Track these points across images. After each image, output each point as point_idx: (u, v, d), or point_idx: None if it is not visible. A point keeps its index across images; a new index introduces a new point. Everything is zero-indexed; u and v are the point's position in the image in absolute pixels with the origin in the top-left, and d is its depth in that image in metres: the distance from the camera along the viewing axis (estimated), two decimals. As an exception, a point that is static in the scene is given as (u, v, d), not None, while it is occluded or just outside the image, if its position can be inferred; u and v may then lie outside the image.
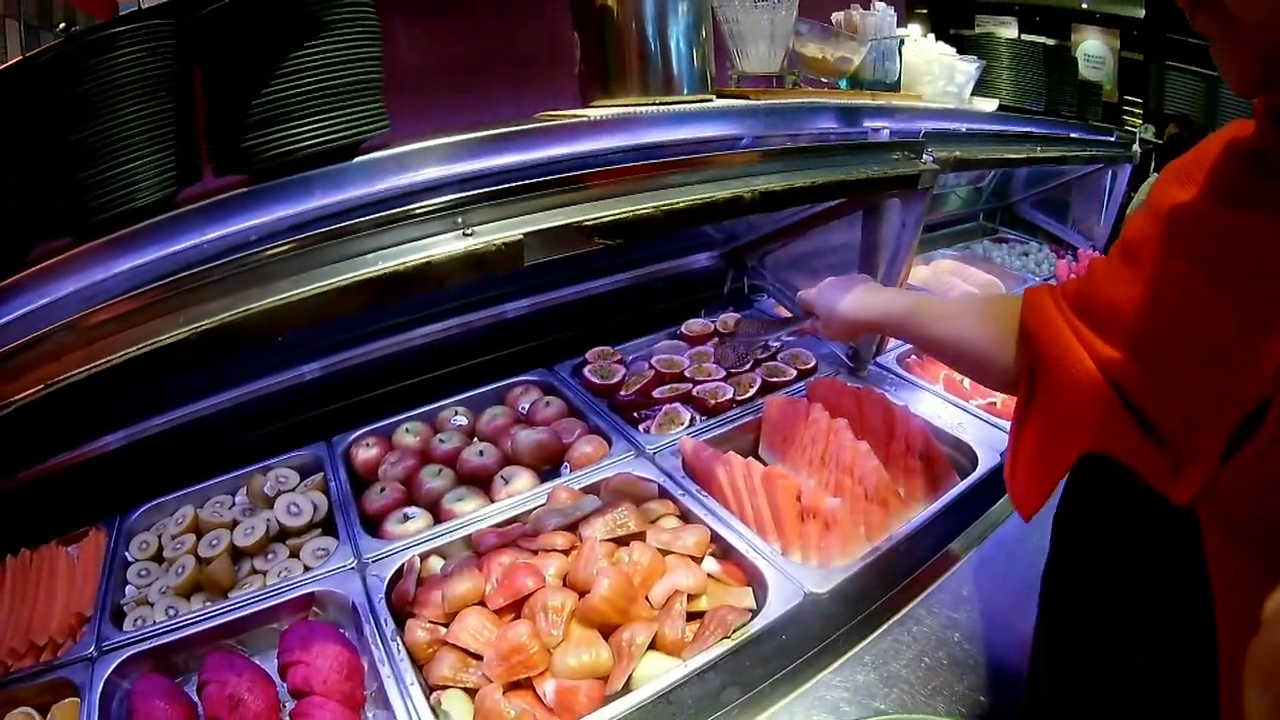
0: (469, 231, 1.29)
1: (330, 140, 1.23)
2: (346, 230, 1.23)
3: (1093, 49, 3.11)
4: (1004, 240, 3.86)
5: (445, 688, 1.46)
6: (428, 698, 1.43)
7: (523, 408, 2.31)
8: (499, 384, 2.42)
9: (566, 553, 1.69)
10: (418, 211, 1.27)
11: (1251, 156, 0.83)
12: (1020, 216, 4.06)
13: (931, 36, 2.44)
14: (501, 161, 1.36)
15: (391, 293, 1.25)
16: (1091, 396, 0.96)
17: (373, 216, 1.24)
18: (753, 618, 1.54)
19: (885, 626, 1.54)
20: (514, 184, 1.34)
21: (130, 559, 1.87)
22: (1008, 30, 3.12)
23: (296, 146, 1.22)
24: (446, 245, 1.28)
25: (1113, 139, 3.11)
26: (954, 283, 3.17)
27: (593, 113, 1.55)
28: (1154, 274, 0.92)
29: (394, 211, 1.26)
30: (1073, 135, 2.84)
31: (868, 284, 1.76)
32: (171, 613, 1.69)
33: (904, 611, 1.57)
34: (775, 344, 2.52)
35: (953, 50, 2.39)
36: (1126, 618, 1.01)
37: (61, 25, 1.90)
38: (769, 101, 1.78)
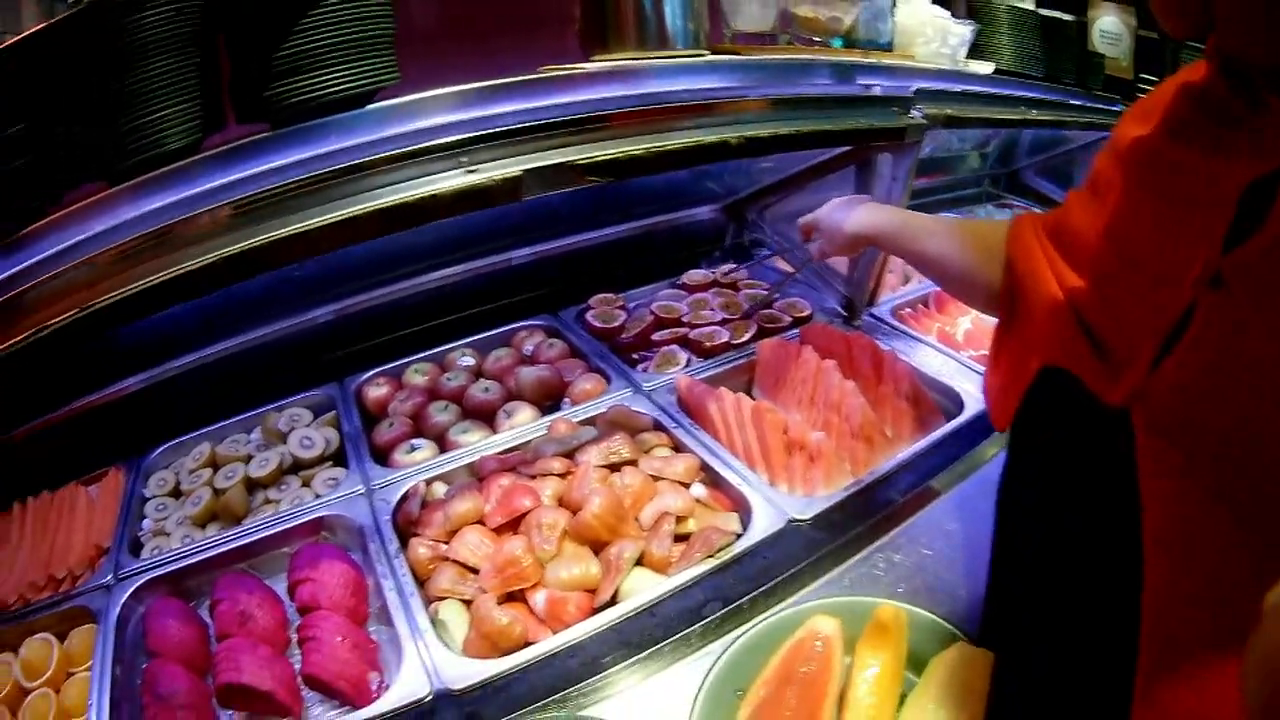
0: (472, 169, 1.40)
1: (346, 89, 1.36)
2: (361, 168, 1.35)
3: (1109, 25, 3.11)
4: (1007, 205, 3.90)
5: (443, 599, 1.58)
6: (427, 609, 1.55)
7: (527, 349, 2.43)
8: (505, 328, 2.53)
9: (563, 477, 1.81)
10: (426, 151, 1.39)
11: (1200, 97, 0.90)
12: (1024, 183, 4.09)
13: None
14: (504, 109, 1.47)
15: (401, 222, 1.37)
16: (1054, 317, 1.06)
17: (385, 154, 1.36)
18: (737, 540, 1.64)
19: (864, 553, 1.63)
20: (515, 126, 1.45)
21: (149, 495, 1.99)
22: (1024, 2, 3.15)
23: (315, 95, 1.35)
24: (452, 180, 1.39)
25: (1117, 108, 3.17)
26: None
27: (590, 65, 1.66)
28: (1111, 205, 1.01)
29: (404, 150, 1.37)
30: (1072, 102, 2.89)
31: (867, 201, 1.87)
32: (187, 540, 1.80)
33: (883, 540, 1.67)
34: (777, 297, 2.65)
35: (946, 13, 2.46)
36: (1064, 528, 1.10)
37: (76, -5, 2.00)
38: (759, 57, 1.89)
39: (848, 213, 1.83)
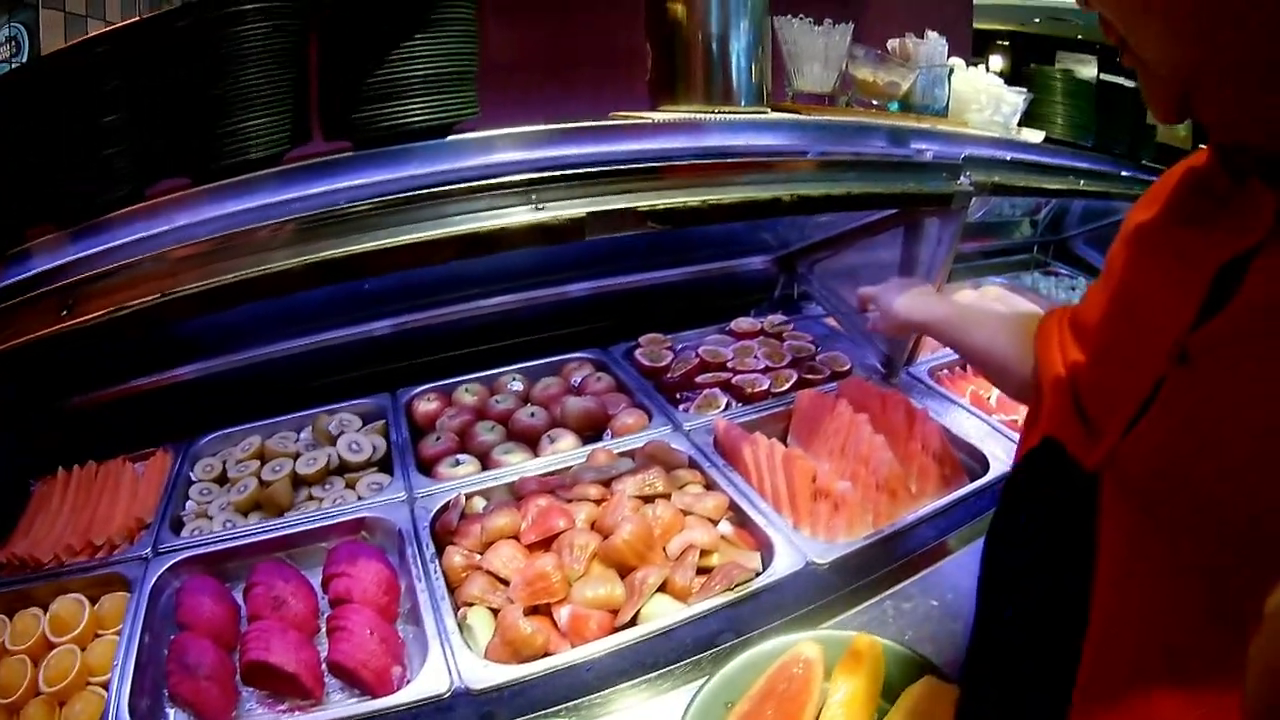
0: (540, 206, 1.52)
1: (429, 120, 1.50)
2: (439, 195, 1.47)
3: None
4: (1054, 274, 3.96)
5: (472, 605, 1.69)
6: (455, 613, 1.66)
7: (575, 380, 2.56)
8: (556, 358, 2.66)
9: (598, 503, 1.92)
10: (499, 186, 1.51)
11: (1199, 181, 0.95)
12: (1073, 252, 4.14)
13: (982, 68, 2.63)
14: (573, 151, 1.61)
15: (471, 250, 1.49)
16: (1055, 391, 1.10)
17: (461, 186, 1.48)
18: (756, 577, 1.73)
19: (876, 599, 1.72)
20: (582, 170, 1.57)
21: (194, 479, 2.12)
22: (1087, 69, 3.20)
23: (400, 122, 1.48)
24: (521, 215, 1.52)
25: None
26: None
27: (657, 115, 1.78)
28: (1112, 285, 1.06)
29: (479, 183, 1.50)
30: (1123, 173, 2.94)
31: (923, 288, 1.97)
32: (229, 525, 1.93)
33: (895, 588, 1.75)
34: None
35: (1000, 81, 2.55)
36: (1037, 590, 1.10)
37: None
38: (818, 118, 2.00)
39: (904, 297, 1.93)
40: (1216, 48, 0.75)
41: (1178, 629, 0.82)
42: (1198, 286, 0.84)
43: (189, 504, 2.05)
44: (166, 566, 1.77)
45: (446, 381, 2.52)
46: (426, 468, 2.15)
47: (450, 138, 1.54)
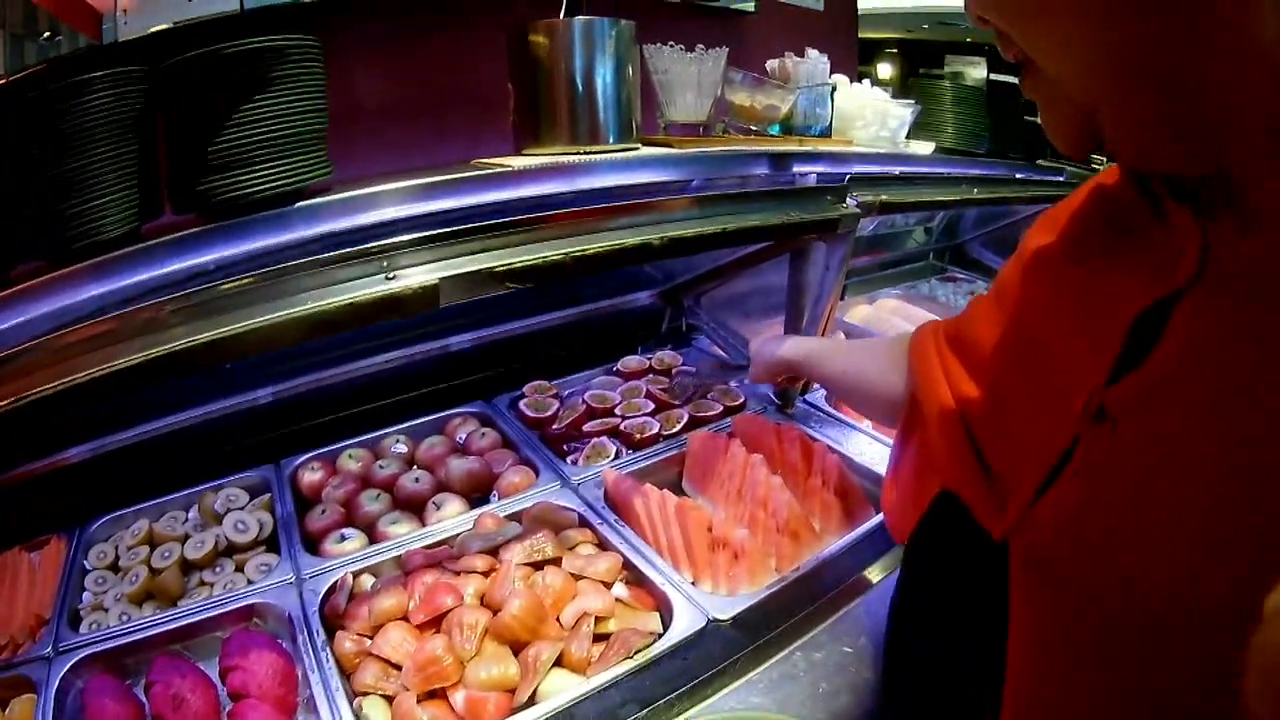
0: (391, 275, 1.49)
1: (276, 186, 1.46)
2: (285, 271, 1.43)
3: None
4: (952, 279, 4.02)
5: (368, 694, 1.65)
6: (351, 703, 1.61)
7: (460, 438, 2.51)
8: (439, 415, 2.62)
9: (486, 574, 1.88)
10: (348, 257, 1.47)
11: (1111, 209, 0.90)
12: (970, 256, 4.22)
13: (868, 82, 2.65)
14: (429, 208, 1.58)
15: (320, 330, 1.45)
16: (948, 434, 1.05)
17: (308, 259, 1.44)
18: (656, 640, 1.71)
19: (785, 652, 1.69)
20: (436, 231, 1.53)
21: (88, 567, 2.06)
22: (977, 71, 3.23)
23: (246, 191, 1.44)
24: (370, 288, 1.48)
25: (1062, 178, 3.18)
26: (895, 322, 3.32)
27: (517, 162, 1.75)
28: (1010, 316, 1.01)
29: (327, 255, 1.45)
30: (1018, 176, 2.96)
31: (795, 337, 2.03)
32: (124, 618, 1.87)
33: (805, 638, 1.72)
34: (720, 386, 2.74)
35: (886, 95, 2.57)
36: (941, 650, 1.10)
37: (46, 35, 2.04)
38: (690, 150, 1.99)
39: (774, 345, 1.99)
40: (1130, 49, 0.68)
41: (1100, 715, 0.79)
42: (1114, 335, 0.79)
43: (85, 595, 2.00)
44: (69, 666, 1.71)
45: (330, 448, 2.46)
46: (313, 544, 2.10)
47: (300, 203, 1.50)
